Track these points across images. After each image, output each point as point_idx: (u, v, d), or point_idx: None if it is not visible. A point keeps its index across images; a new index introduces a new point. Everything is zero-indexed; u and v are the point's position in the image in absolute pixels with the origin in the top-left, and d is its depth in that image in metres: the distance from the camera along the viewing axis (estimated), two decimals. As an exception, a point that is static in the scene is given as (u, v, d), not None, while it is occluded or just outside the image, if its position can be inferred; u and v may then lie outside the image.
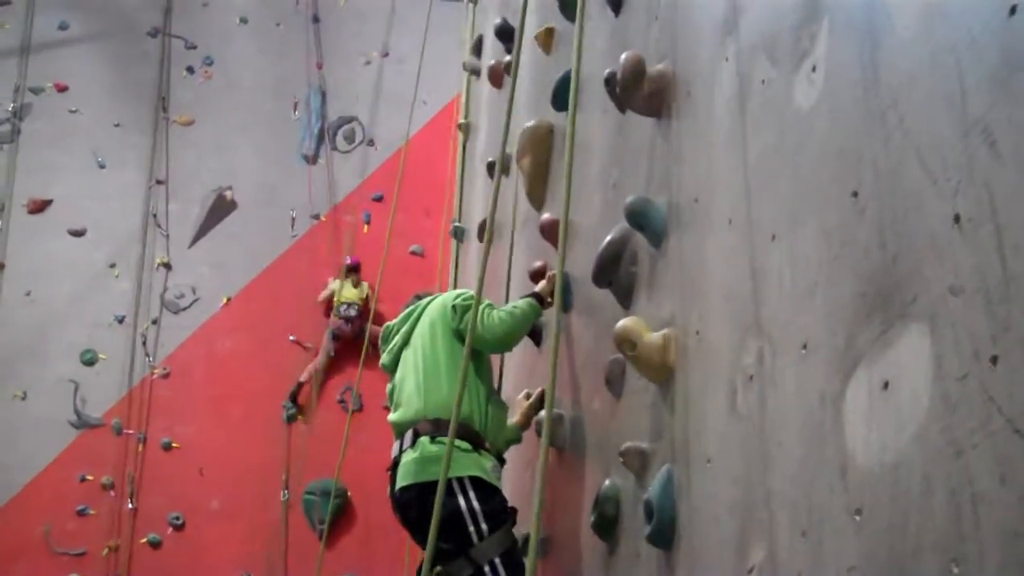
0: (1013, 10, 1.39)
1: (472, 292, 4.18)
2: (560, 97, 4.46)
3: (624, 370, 3.16)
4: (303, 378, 11.62)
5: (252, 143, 12.44)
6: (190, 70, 12.73)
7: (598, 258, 3.36)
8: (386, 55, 12.75)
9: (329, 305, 11.79)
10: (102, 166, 12.29)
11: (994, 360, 1.36)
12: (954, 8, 1.54)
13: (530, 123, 4.89)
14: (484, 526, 3.90)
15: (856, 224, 1.78)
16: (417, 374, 4.27)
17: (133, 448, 11.34)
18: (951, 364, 1.46)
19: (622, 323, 2.92)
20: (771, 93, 2.24)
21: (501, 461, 4.25)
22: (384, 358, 4.58)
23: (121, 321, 11.78)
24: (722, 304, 2.43)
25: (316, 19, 12.93)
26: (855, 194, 1.80)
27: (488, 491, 4.00)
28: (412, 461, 4.06)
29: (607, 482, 3.20)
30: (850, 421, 1.75)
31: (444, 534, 3.58)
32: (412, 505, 4.04)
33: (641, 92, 3.05)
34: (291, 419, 11.56)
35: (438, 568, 3.94)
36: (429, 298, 4.58)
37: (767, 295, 2.17)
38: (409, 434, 4.16)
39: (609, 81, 3.37)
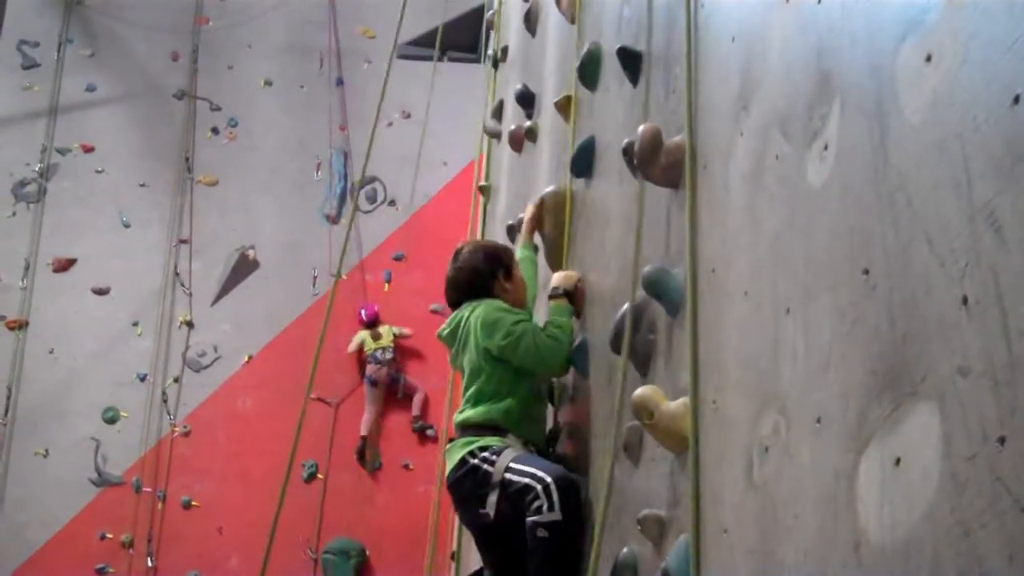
0: (1016, 99, 1.43)
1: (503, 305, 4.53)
2: (579, 164, 4.52)
3: (642, 438, 3.18)
4: (363, 432, 11.60)
5: (275, 203, 12.58)
6: (215, 131, 12.92)
7: (616, 326, 3.39)
8: (408, 116, 12.90)
9: (360, 356, 11.82)
10: (127, 225, 12.44)
11: (1001, 441, 1.38)
12: (960, 96, 1.58)
13: (549, 189, 4.95)
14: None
15: (867, 302, 1.81)
16: (470, 387, 4.50)
17: (153, 506, 11.36)
18: (960, 444, 1.48)
19: (639, 392, 2.94)
20: (784, 169, 2.28)
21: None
22: (451, 360, 4.79)
23: (143, 379, 11.85)
24: (738, 375, 2.45)
25: (340, 82, 13.11)
26: (866, 272, 1.83)
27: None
28: (456, 446, 4.37)
29: (625, 550, 3.20)
30: (863, 497, 1.77)
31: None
32: (461, 481, 4.28)
33: (658, 164, 3.09)
34: (311, 477, 11.55)
35: None
36: (470, 307, 4.63)
37: (782, 368, 2.19)
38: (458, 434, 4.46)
39: (627, 151, 3.42)
